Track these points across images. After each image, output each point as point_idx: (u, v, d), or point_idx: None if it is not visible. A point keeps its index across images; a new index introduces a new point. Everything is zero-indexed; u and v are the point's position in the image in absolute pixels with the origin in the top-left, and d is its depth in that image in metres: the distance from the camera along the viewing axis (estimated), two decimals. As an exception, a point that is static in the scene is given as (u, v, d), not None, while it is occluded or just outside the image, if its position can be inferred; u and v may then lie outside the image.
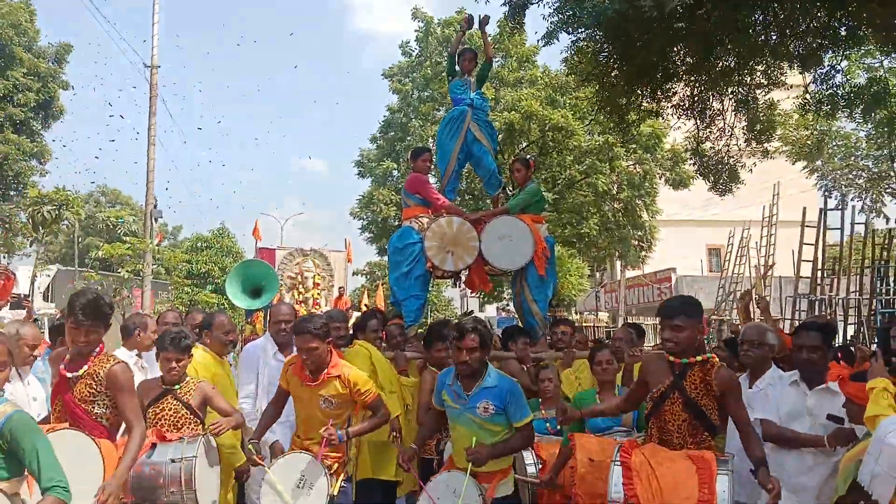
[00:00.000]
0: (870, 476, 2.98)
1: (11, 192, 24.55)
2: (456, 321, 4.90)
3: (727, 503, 3.13)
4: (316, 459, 4.02)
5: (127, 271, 17.17)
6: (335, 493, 4.05)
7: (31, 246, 24.85)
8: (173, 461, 3.86)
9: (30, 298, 9.40)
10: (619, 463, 3.31)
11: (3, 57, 23.59)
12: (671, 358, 3.54)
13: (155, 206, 18.77)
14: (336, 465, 4.22)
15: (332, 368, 4.18)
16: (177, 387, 4.28)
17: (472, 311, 20.56)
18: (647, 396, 3.60)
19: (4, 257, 14.83)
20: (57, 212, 17.21)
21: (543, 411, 5.11)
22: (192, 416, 4.26)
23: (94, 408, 3.63)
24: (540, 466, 4.58)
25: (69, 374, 3.65)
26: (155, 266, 21.97)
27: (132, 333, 5.17)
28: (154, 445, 3.94)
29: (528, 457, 4.63)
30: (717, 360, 3.59)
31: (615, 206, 20.41)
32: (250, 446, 4.24)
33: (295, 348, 4.25)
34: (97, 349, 3.72)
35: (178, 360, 4.25)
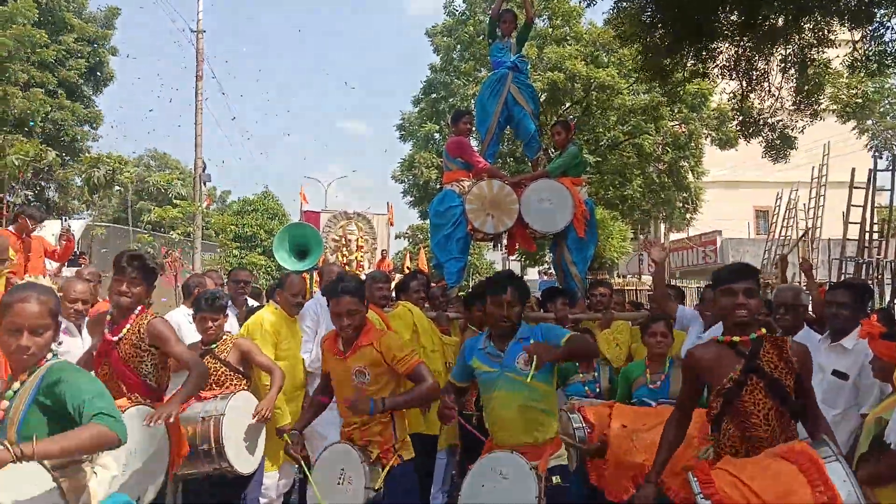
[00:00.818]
0: None
1: (66, 157, 25.25)
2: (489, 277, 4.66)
3: (855, 494, 2.48)
4: (353, 448, 3.61)
5: (177, 233, 17.68)
6: (378, 488, 3.52)
7: (87, 209, 25.71)
8: (203, 418, 3.95)
9: (86, 256, 9.76)
10: (706, 498, 2.60)
11: (54, 22, 24.07)
12: (734, 338, 2.98)
13: (204, 170, 19.19)
14: (379, 451, 3.66)
15: (364, 336, 3.72)
16: (213, 346, 4.42)
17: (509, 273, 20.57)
18: (713, 394, 3.01)
19: (64, 219, 15.39)
20: (111, 175, 17.72)
21: (581, 375, 5.17)
22: (231, 373, 4.39)
23: (141, 367, 3.60)
24: (589, 431, 4.40)
25: (114, 338, 3.60)
26: (205, 229, 22.54)
27: (192, 292, 5.42)
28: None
29: (576, 419, 4.48)
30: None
31: (659, 167, 20.15)
32: (287, 436, 3.93)
33: (331, 313, 3.74)
34: (138, 309, 3.66)
35: (213, 320, 4.41)
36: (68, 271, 8.80)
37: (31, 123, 18.99)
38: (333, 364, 3.83)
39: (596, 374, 5.22)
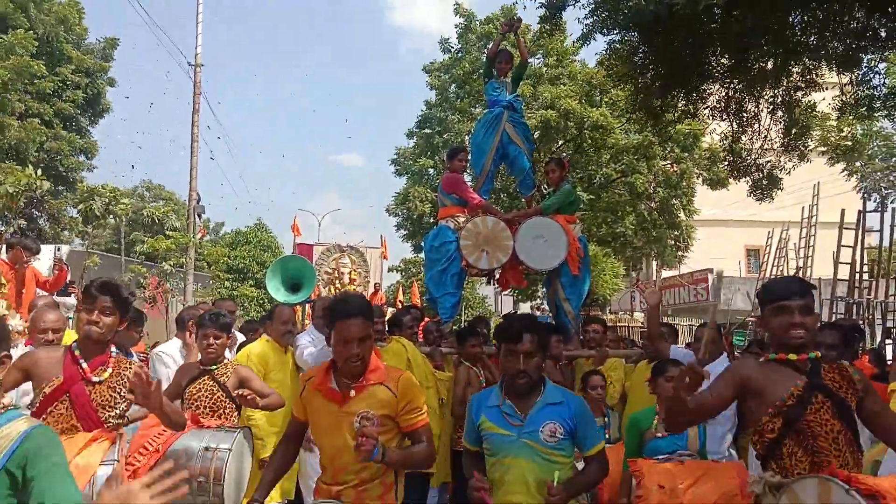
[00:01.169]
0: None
1: (60, 187, 25.27)
2: (503, 318, 4.42)
3: None
4: None
5: (169, 264, 17.63)
6: None
7: (81, 238, 25.62)
8: (206, 450, 3.70)
9: (76, 285, 9.71)
10: None
11: (53, 54, 24.27)
12: (790, 356, 2.66)
13: (198, 202, 19.21)
14: None
15: (373, 373, 3.01)
16: (214, 367, 4.27)
17: (516, 311, 20.56)
18: (768, 415, 2.64)
19: (58, 248, 15.33)
20: (106, 207, 17.71)
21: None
22: (227, 400, 4.22)
23: (108, 413, 3.24)
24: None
25: (94, 378, 3.22)
26: (198, 260, 22.50)
27: (185, 324, 5.39)
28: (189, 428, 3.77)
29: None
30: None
31: (651, 205, 20.30)
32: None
33: (332, 347, 3.04)
34: (114, 349, 3.38)
35: (216, 338, 4.25)
36: (60, 300, 8.75)
37: (26, 153, 19.05)
38: (321, 408, 3.03)
39: (606, 419, 5.16)
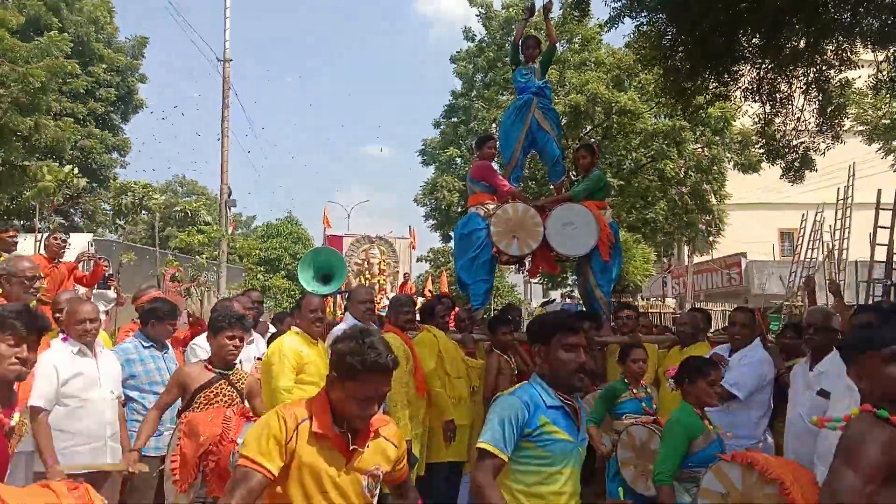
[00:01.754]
0: None
1: (94, 185, 25.76)
2: (556, 310, 4.49)
3: None
4: None
5: (203, 258, 17.92)
6: None
7: (115, 233, 26.15)
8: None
9: (115, 278, 9.82)
10: None
11: (85, 53, 24.67)
12: None
13: (229, 196, 19.47)
14: None
15: (375, 420, 2.46)
16: (230, 371, 4.20)
17: (554, 300, 20.53)
18: None
19: (90, 243, 15.66)
20: (139, 202, 18.05)
21: (634, 391, 4.97)
22: (242, 406, 4.17)
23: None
24: None
25: (11, 423, 2.70)
26: (230, 254, 22.80)
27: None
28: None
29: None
30: None
31: (682, 190, 20.08)
32: None
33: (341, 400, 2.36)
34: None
35: (241, 339, 4.19)
36: (98, 293, 8.87)
37: (62, 152, 19.45)
38: (323, 461, 2.32)
39: (648, 389, 5.12)
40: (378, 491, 2.46)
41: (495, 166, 7.39)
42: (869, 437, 2.20)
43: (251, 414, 4.10)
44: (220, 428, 3.76)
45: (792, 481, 2.85)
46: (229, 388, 4.16)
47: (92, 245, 15.33)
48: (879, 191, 12.98)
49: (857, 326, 4.07)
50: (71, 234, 9.30)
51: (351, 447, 2.34)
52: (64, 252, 7.57)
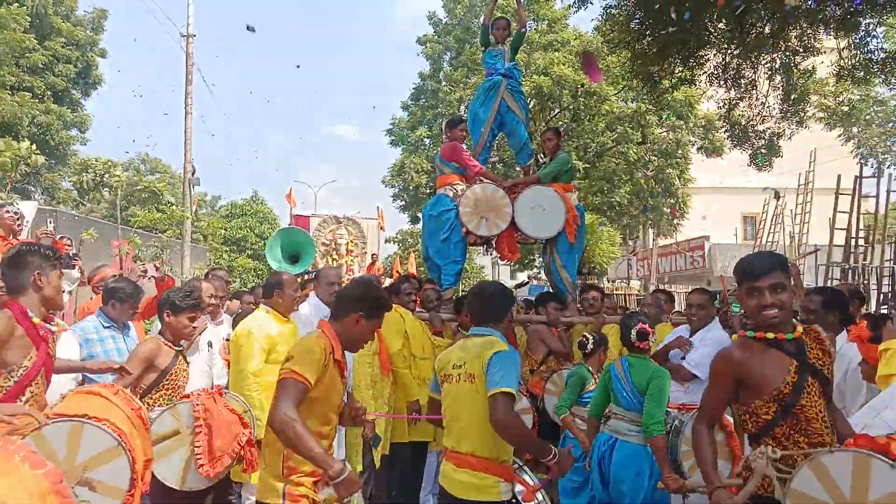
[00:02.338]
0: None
1: (53, 162, 25.14)
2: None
3: None
4: None
5: (166, 236, 17.63)
6: None
7: (77, 210, 25.59)
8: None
9: (79, 257, 9.50)
10: None
11: (43, 27, 23.98)
12: (776, 335, 2.64)
13: (193, 174, 19.14)
14: None
15: None
16: (181, 348, 4.22)
17: (526, 282, 20.63)
18: (763, 400, 2.64)
19: (50, 222, 15.29)
20: (100, 179, 17.70)
21: (597, 379, 4.94)
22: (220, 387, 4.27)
23: None
24: None
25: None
26: (194, 233, 22.49)
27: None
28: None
29: None
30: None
31: (647, 173, 20.29)
32: None
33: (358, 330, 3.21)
34: None
35: (192, 319, 4.19)
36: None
37: (19, 127, 18.93)
38: (335, 381, 3.13)
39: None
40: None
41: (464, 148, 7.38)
42: (717, 356, 2.82)
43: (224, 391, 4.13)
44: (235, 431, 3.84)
45: None
46: (184, 363, 4.21)
47: (51, 221, 14.94)
48: (839, 176, 13.28)
49: (802, 308, 4.22)
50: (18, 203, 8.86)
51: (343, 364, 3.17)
52: (21, 228, 7.19)
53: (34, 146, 15.36)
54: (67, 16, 26.34)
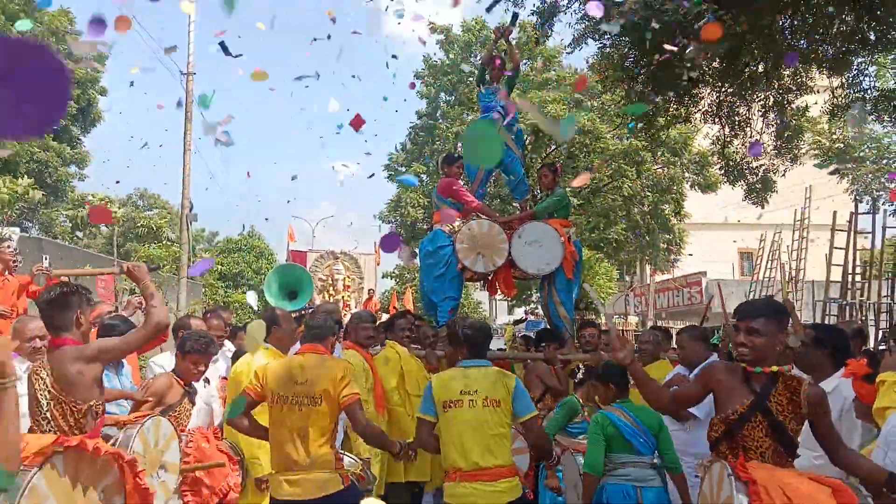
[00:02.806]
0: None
1: (51, 197, 25.19)
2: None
3: None
4: None
5: (164, 272, 17.60)
6: None
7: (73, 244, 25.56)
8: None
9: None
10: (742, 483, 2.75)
11: (45, 65, 24.19)
12: (749, 369, 2.98)
13: (191, 210, 19.17)
14: None
15: None
16: (191, 389, 4.30)
17: (525, 318, 20.63)
18: (717, 418, 3.06)
19: (46, 258, 15.24)
20: (97, 215, 17.63)
21: (587, 413, 5.08)
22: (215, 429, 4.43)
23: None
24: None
25: None
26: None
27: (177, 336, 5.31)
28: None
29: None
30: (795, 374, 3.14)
31: (643, 209, 20.37)
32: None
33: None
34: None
35: (204, 364, 4.29)
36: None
37: (17, 165, 19.01)
38: None
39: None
40: None
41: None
42: (708, 366, 3.55)
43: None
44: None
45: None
46: (189, 403, 4.24)
47: (46, 258, 14.89)
48: (835, 213, 13.34)
49: (803, 343, 4.17)
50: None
51: None
52: (17, 263, 7.15)
53: (33, 181, 15.42)
54: (69, 53, 26.63)
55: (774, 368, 2.95)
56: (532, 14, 8.55)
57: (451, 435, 3.65)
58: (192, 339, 4.31)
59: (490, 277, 7.05)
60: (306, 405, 3.68)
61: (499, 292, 7.49)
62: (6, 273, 6.93)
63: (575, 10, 8.44)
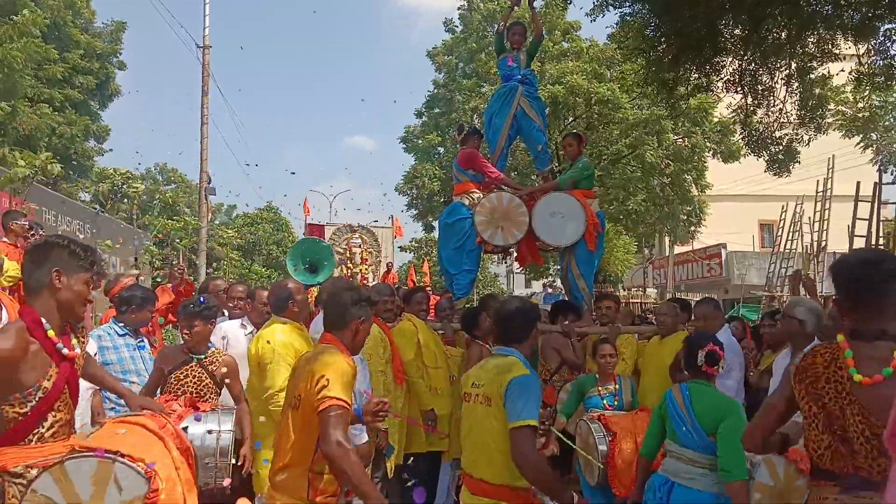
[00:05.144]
0: None
1: (73, 173, 25.32)
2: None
3: None
4: None
5: (183, 245, 17.74)
6: None
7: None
8: (209, 433, 3.77)
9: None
10: None
11: (62, 39, 24.21)
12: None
13: (209, 183, 19.23)
14: None
15: None
16: (202, 355, 4.29)
17: (534, 293, 20.66)
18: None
19: (34, 223, 15.27)
20: (119, 189, 17.81)
21: (600, 388, 5.10)
22: (214, 386, 4.27)
23: None
24: (610, 439, 4.60)
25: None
26: (209, 241, 22.61)
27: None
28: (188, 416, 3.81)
29: (597, 428, 4.68)
30: None
31: (663, 181, 20.14)
32: None
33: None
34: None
35: (190, 327, 4.25)
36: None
37: (38, 140, 19.10)
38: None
39: (617, 386, 5.16)
40: None
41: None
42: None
43: (200, 405, 4.05)
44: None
45: None
46: (199, 369, 4.24)
47: (38, 226, 14.95)
48: (858, 183, 13.11)
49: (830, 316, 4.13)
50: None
51: None
52: (34, 236, 7.12)
53: (51, 155, 15.44)
54: (86, 28, 26.60)
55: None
56: None
57: (461, 429, 3.31)
58: (189, 303, 4.42)
59: (510, 250, 7.01)
60: (288, 407, 3.10)
61: (526, 263, 7.43)
62: (17, 244, 6.84)
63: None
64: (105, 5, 68.85)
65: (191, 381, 4.20)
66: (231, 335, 5.26)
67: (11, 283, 6.23)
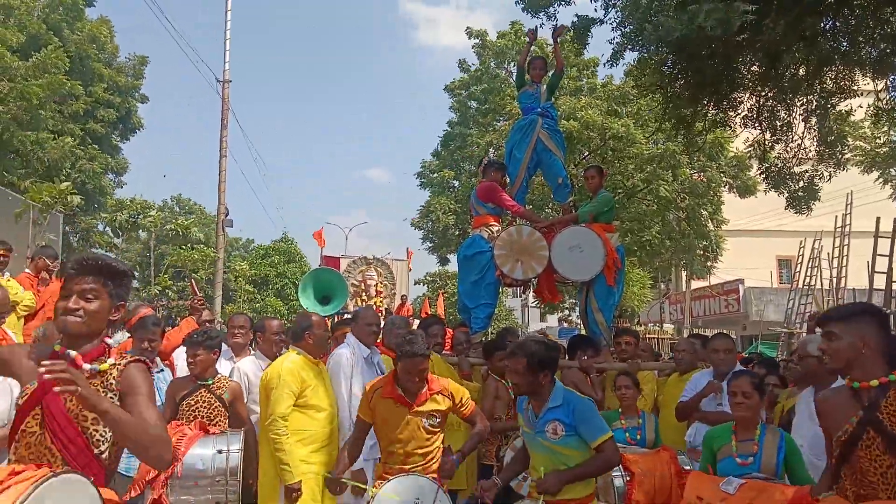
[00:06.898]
0: None
1: (94, 206, 25.58)
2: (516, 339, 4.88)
3: None
4: (435, 482, 3.80)
5: (199, 276, 17.81)
6: None
7: (111, 252, 25.99)
8: (220, 452, 4.01)
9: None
10: None
11: (85, 73, 24.65)
12: (856, 384, 2.65)
13: (226, 216, 19.39)
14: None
15: (434, 383, 4.03)
16: (210, 381, 4.54)
17: (547, 329, 20.56)
18: (832, 442, 2.73)
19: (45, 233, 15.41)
20: (134, 220, 17.96)
21: (623, 420, 5.00)
22: (224, 410, 4.53)
23: (93, 429, 2.31)
24: (628, 479, 4.27)
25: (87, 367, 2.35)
26: (225, 273, 22.70)
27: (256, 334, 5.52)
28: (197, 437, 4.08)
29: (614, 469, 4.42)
30: None
31: (679, 214, 20.05)
32: (325, 482, 4.16)
33: (401, 371, 3.90)
34: (104, 341, 2.45)
35: (194, 356, 4.51)
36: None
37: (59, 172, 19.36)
38: (389, 411, 3.94)
39: (641, 420, 5.06)
40: (438, 423, 3.99)
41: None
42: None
43: (209, 428, 4.29)
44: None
45: None
46: (209, 395, 4.48)
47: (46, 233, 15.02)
48: (878, 219, 13.00)
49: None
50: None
51: (411, 402, 3.93)
52: (52, 271, 7.24)
53: (71, 185, 15.65)
54: (109, 62, 27.10)
55: (890, 377, 2.59)
56: (571, 27, 8.44)
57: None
58: (193, 333, 4.72)
59: (530, 283, 6.95)
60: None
61: (546, 299, 7.39)
62: (40, 277, 7.00)
63: (610, 22, 8.28)
64: (126, 39, 70.28)
65: (202, 405, 4.45)
66: (251, 373, 5.20)
67: (27, 312, 6.32)
